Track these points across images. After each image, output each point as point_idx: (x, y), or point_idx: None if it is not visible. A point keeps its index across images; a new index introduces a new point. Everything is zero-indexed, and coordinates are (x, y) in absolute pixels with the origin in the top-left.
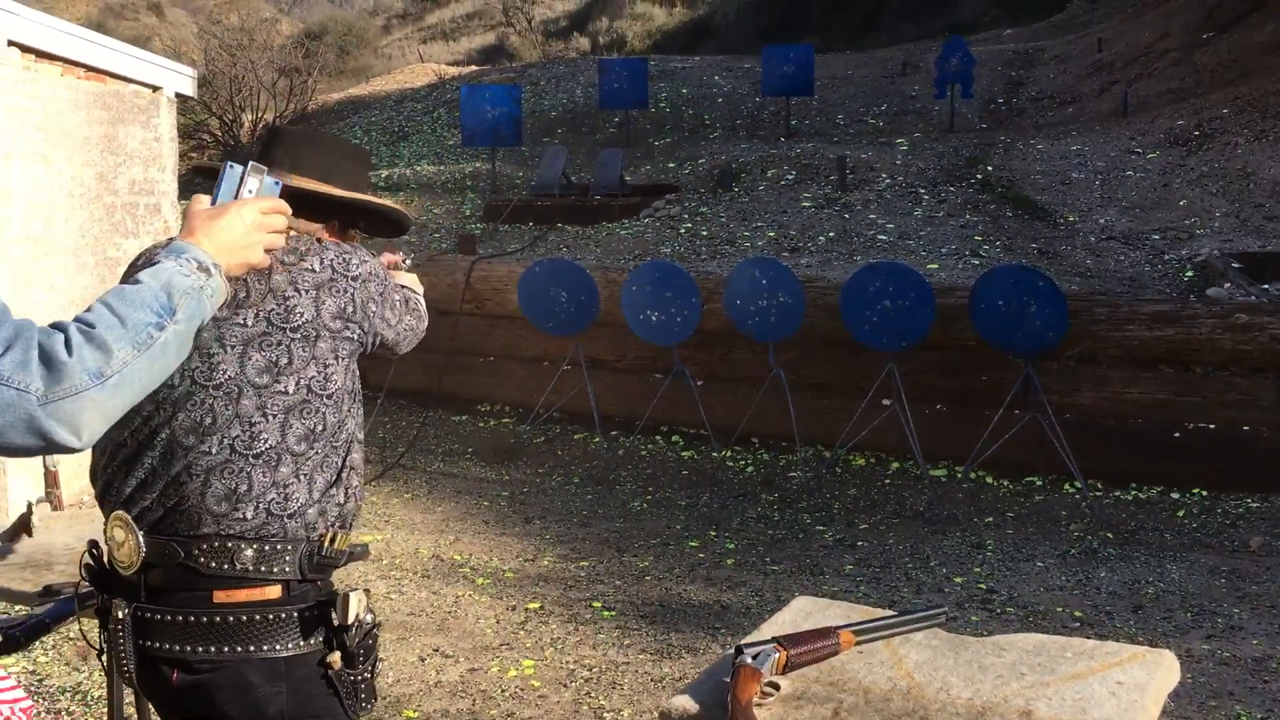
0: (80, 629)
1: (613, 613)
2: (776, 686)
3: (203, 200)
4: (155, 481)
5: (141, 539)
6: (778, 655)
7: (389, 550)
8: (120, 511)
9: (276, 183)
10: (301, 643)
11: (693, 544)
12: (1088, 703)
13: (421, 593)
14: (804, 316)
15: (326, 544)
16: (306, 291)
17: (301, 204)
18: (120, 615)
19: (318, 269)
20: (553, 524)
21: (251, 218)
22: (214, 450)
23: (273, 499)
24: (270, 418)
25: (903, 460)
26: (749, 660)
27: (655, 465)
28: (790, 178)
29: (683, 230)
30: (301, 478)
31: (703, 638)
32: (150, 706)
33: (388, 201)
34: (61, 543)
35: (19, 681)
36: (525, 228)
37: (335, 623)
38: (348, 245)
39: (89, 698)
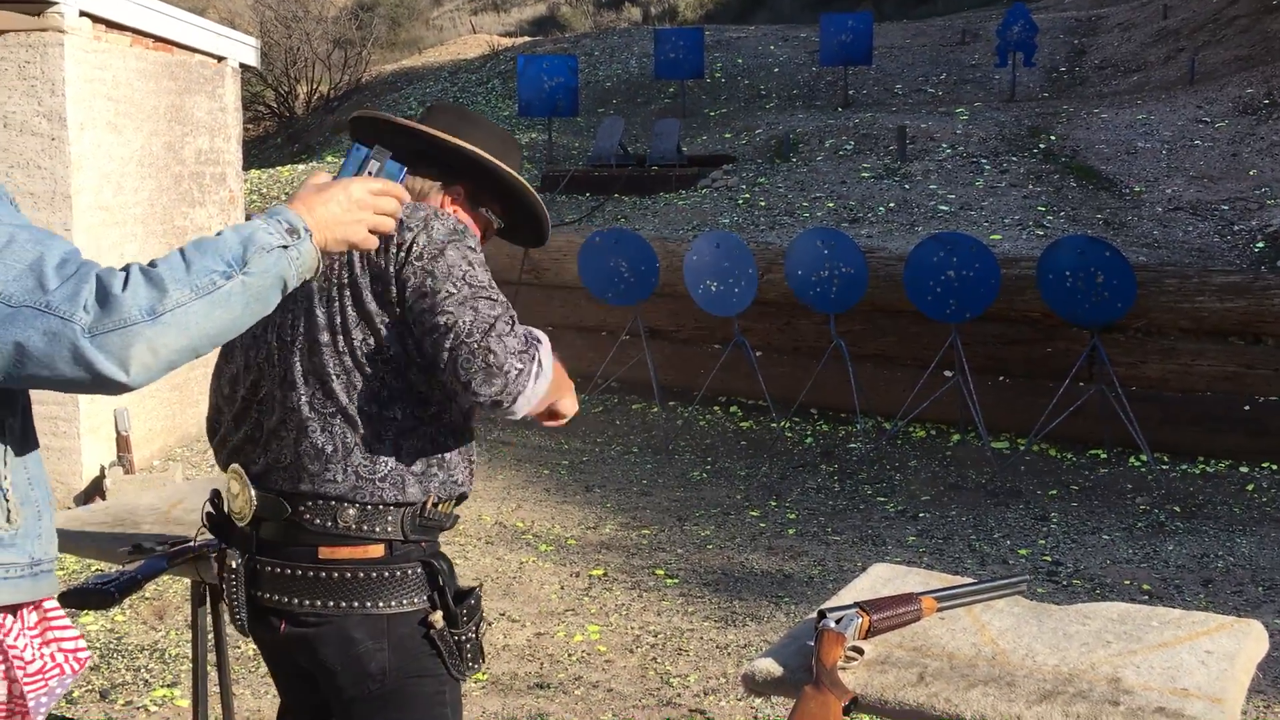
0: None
1: (676, 580)
2: (860, 651)
3: (323, 175)
4: (259, 435)
5: (253, 492)
6: (860, 620)
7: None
8: (236, 465)
9: (401, 168)
10: (404, 601)
11: (753, 513)
12: (1177, 671)
13: (486, 558)
14: (866, 287)
15: (429, 506)
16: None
17: (430, 161)
18: (234, 565)
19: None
20: (613, 493)
21: (359, 194)
22: (298, 407)
23: (359, 460)
24: (336, 376)
25: (964, 432)
26: (832, 624)
27: (714, 435)
28: (849, 148)
29: (740, 201)
30: (385, 441)
31: (766, 606)
32: (230, 664)
33: (527, 184)
34: (146, 503)
35: (81, 631)
36: (582, 198)
37: (438, 583)
38: (453, 220)
39: (166, 655)
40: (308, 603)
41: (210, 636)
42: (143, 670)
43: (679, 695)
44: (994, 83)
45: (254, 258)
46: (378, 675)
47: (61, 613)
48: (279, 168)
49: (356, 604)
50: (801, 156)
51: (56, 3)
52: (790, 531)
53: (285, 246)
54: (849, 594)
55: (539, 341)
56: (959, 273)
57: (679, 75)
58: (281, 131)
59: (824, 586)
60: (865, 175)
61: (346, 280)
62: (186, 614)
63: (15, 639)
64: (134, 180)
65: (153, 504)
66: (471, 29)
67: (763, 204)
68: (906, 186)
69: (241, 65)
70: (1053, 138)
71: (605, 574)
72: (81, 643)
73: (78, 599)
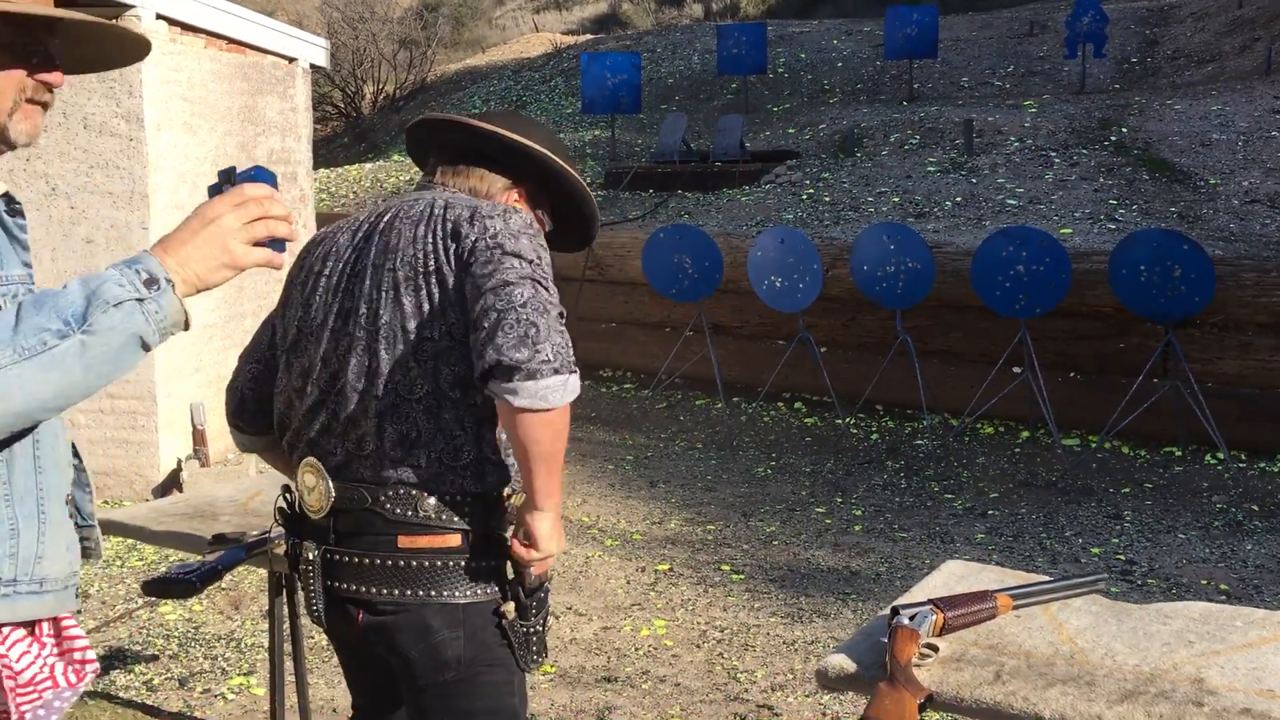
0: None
1: (742, 576)
2: (935, 648)
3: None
4: (336, 426)
5: (331, 485)
6: (935, 617)
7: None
8: (310, 458)
9: (258, 172)
10: (478, 591)
11: (819, 510)
12: (1263, 672)
13: None
14: (933, 282)
15: (505, 500)
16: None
17: (489, 161)
18: (310, 557)
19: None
20: (677, 488)
21: (217, 213)
22: (381, 394)
23: (442, 447)
24: (422, 362)
25: (1034, 429)
26: (906, 621)
27: (778, 431)
28: (914, 142)
29: (804, 196)
30: (467, 429)
31: (833, 602)
32: (305, 654)
33: (586, 187)
34: (225, 495)
35: (89, 643)
36: (646, 195)
37: (510, 575)
38: (529, 217)
39: (242, 644)
40: (386, 591)
41: (286, 626)
42: (220, 659)
43: (746, 691)
44: (1063, 75)
45: (98, 314)
46: (453, 663)
47: (73, 623)
48: (346, 167)
49: (434, 593)
50: (866, 151)
51: (134, 6)
52: (856, 528)
53: (140, 299)
54: (921, 591)
55: (575, 371)
56: (1029, 267)
57: (742, 71)
58: (348, 131)
59: (891, 583)
60: (931, 170)
61: (433, 268)
62: (261, 604)
63: (9, 647)
64: (208, 180)
65: (231, 496)
66: (534, 27)
67: (827, 199)
68: (973, 181)
69: (311, 66)
70: (1124, 130)
71: (671, 569)
72: (90, 654)
73: (160, 588)
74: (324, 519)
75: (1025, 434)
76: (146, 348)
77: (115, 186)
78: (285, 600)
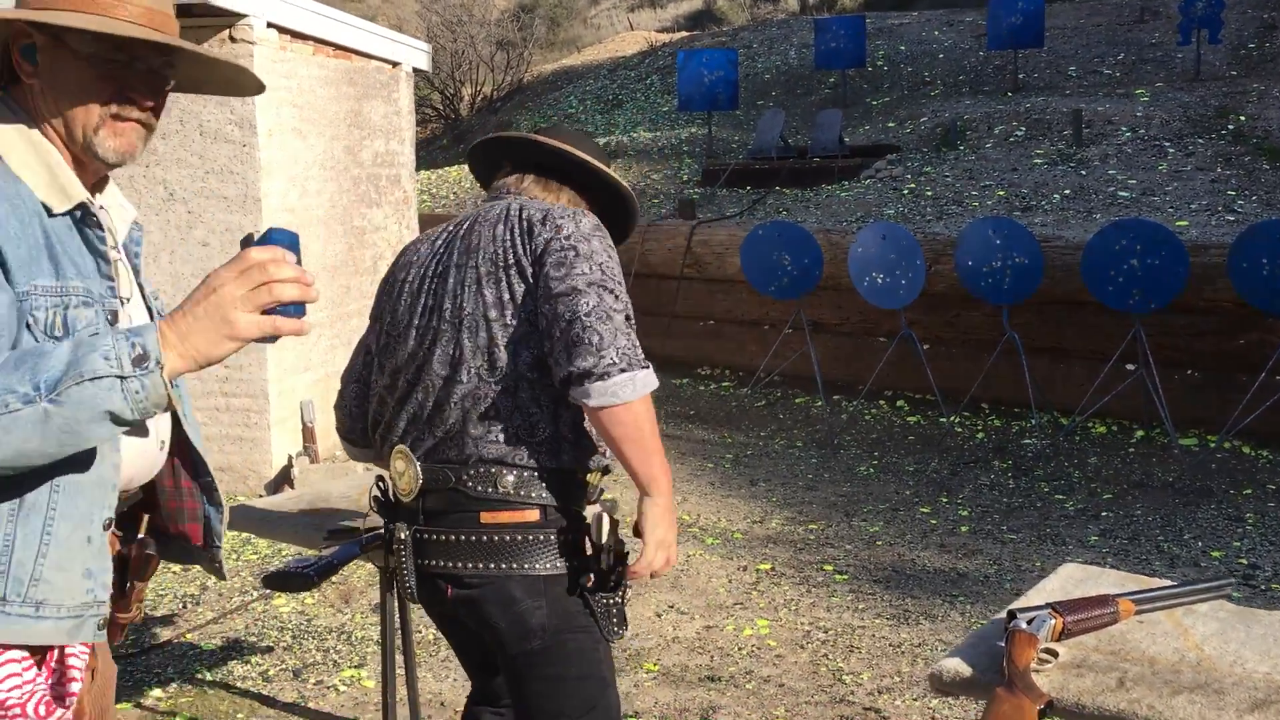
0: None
1: (845, 576)
2: (1054, 653)
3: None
4: (423, 414)
5: (419, 468)
6: (1053, 622)
7: (619, 509)
8: (401, 445)
9: (275, 234)
10: (558, 563)
11: (924, 510)
12: None
13: None
14: (1041, 277)
15: (580, 476)
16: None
17: (549, 173)
18: (402, 537)
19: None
20: (778, 487)
21: (216, 283)
22: (464, 378)
23: (519, 423)
24: (502, 346)
25: (1149, 428)
26: (1024, 625)
27: (880, 430)
28: (1020, 134)
29: (906, 191)
30: (544, 406)
31: (940, 604)
32: (414, 648)
33: (634, 197)
34: (338, 491)
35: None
36: (743, 191)
37: (588, 547)
38: (597, 220)
39: (352, 637)
40: (471, 565)
41: (397, 620)
42: (331, 651)
43: (852, 693)
44: (1176, 62)
45: (70, 386)
46: (538, 631)
47: (76, 657)
48: (446, 168)
49: (515, 565)
50: (969, 144)
51: (246, 15)
52: (963, 529)
53: (122, 377)
54: (1038, 594)
55: (646, 368)
56: (1143, 261)
57: (840, 65)
58: (447, 133)
59: (1001, 586)
60: (1038, 162)
61: (511, 261)
62: (370, 598)
63: None
64: (317, 183)
65: (344, 492)
66: (629, 26)
67: (929, 194)
68: (1083, 173)
69: (414, 70)
70: (1243, 118)
71: (773, 568)
72: (73, 689)
73: (279, 581)
74: (414, 501)
75: (1140, 433)
76: (120, 422)
77: (229, 191)
78: (396, 595)
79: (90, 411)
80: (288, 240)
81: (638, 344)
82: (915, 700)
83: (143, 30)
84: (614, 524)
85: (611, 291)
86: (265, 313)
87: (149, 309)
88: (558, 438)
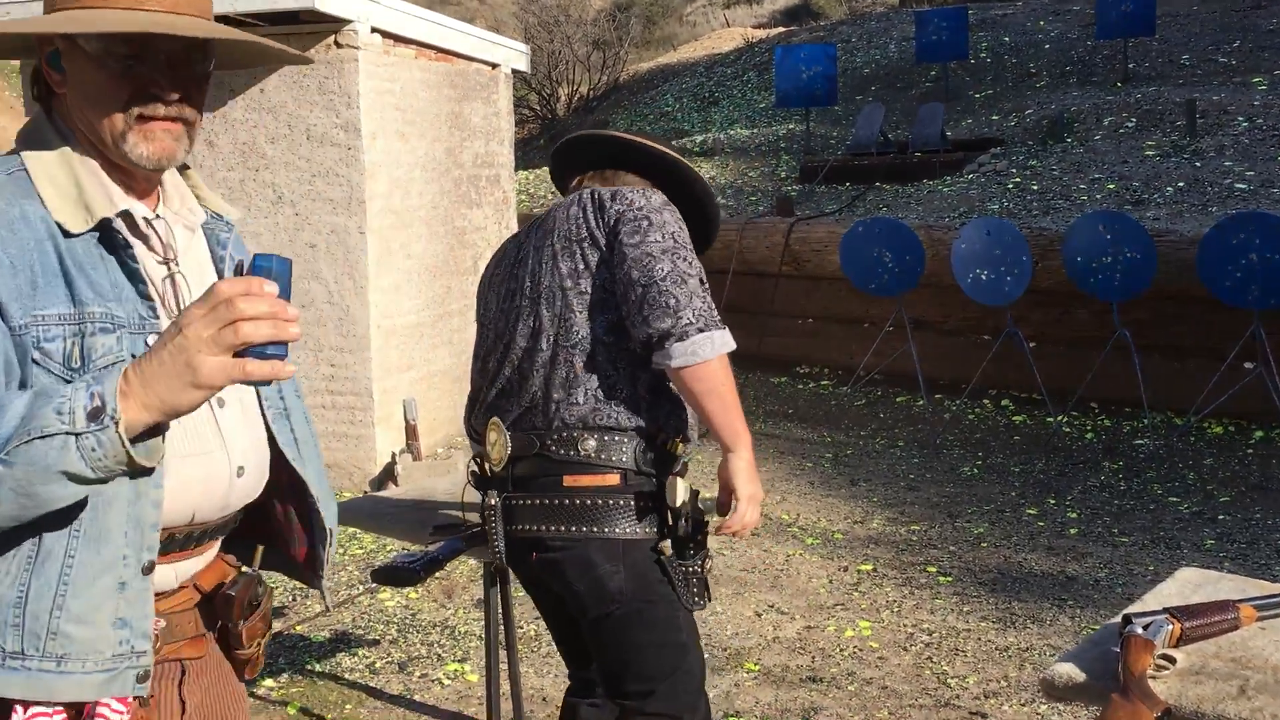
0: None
1: (949, 578)
2: (1171, 660)
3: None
4: (511, 385)
5: (508, 437)
6: (1171, 627)
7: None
8: (494, 417)
9: (260, 261)
10: (636, 529)
11: (1030, 511)
12: None
13: (753, 550)
14: (1154, 273)
15: (660, 440)
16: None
17: (620, 166)
18: (493, 503)
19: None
20: (879, 487)
21: (183, 321)
22: (545, 347)
23: (597, 385)
24: (578, 312)
25: (1269, 429)
26: (1140, 631)
27: (984, 430)
28: (1130, 125)
29: (1010, 185)
30: (620, 369)
31: (1048, 608)
32: (517, 643)
33: (709, 189)
34: (442, 488)
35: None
36: (842, 188)
37: (666, 513)
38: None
39: (455, 632)
40: (554, 528)
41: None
42: (435, 645)
43: (957, 696)
44: None
45: (19, 445)
46: (616, 596)
47: (113, 710)
48: (544, 168)
49: (595, 529)
50: (1077, 136)
51: (351, 20)
52: (1072, 531)
53: (75, 434)
54: (1154, 599)
55: (722, 328)
56: (1262, 255)
57: (942, 58)
58: (544, 133)
59: (1112, 590)
60: (1150, 154)
61: (584, 234)
62: (473, 593)
63: None
64: (419, 184)
65: (448, 488)
66: (725, 22)
67: (1035, 188)
68: (1197, 164)
69: (513, 71)
70: None
71: (874, 569)
72: None
73: (386, 576)
74: (504, 469)
75: (1259, 434)
76: (80, 480)
77: (335, 193)
78: (499, 590)
79: (43, 472)
80: (275, 267)
81: (713, 306)
82: (1024, 705)
83: (147, 18)
84: (692, 492)
85: (685, 258)
86: (238, 354)
87: None
88: (635, 398)
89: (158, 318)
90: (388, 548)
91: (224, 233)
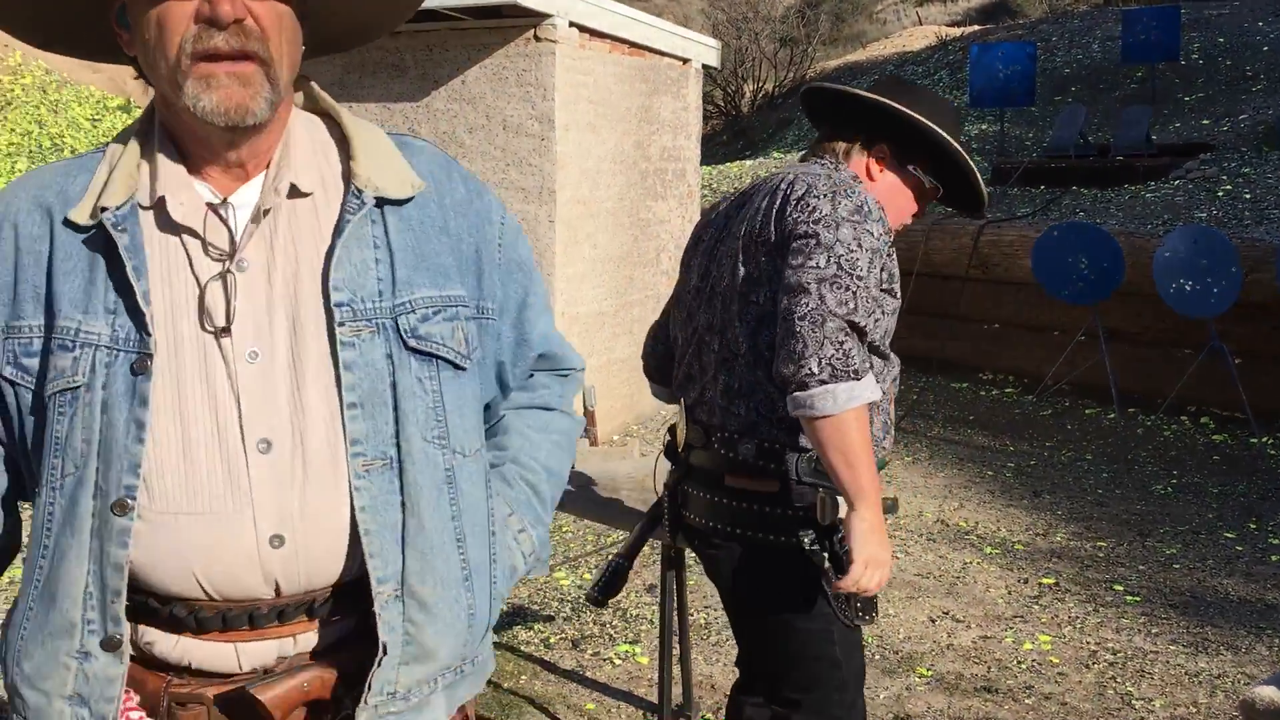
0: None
1: (1137, 598)
2: None
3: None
4: (692, 371)
5: (685, 423)
6: None
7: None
8: (681, 396)
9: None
10: (792, 539)
11: (1228, 535)
12: None
13: (928, 555)
14: None
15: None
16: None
17: (855, 123)
18: (670, 482)
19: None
20: (1064, 500)
21: None
22: (718, 348)
23: (760, 399)
24: (747, 323)
25: None
26: None
27: (1180, 447)
28: None
29: (1220, 193)
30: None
31: (1244, 635)
32: (689, 630)
33: (955, 144)
34: (624, 472)
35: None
36: (1036, 191)
37: (824, 526)
38: (863, 198)
39: (628, 614)
40: (713, 524)
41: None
42: (607, 625)
43: (1143, 719)
44: None
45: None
46: (768, 605)
47: None
48: (727, 164)
49: (750, 533)
50: None
51: (551, 15)
52: (1274, 558)
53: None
54: None
55: (856, 378)
56: None
57: (1149, 59)
58: (727, 129)
59: None
60: None
61: (763, 239)
62: (645, 578)
63: None
64: (607, 176)
65: (629, 473)
66: (917, 20)
67: (1248, 196)
68: None
69: (704, 66)
70: None
71: (1057, 583)
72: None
73: (608, 590)
74: (683, 453)
75: None
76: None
77: (527, 183)
78: (675, 575)
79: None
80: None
81: (851, 351)
82: None
83: None
84: (839, 507)
85: (844, 286)
86: None
87: (333, 333)
88: (797, 419)
89: (148, 335)
90: (563, 529)
91: (393, 213)
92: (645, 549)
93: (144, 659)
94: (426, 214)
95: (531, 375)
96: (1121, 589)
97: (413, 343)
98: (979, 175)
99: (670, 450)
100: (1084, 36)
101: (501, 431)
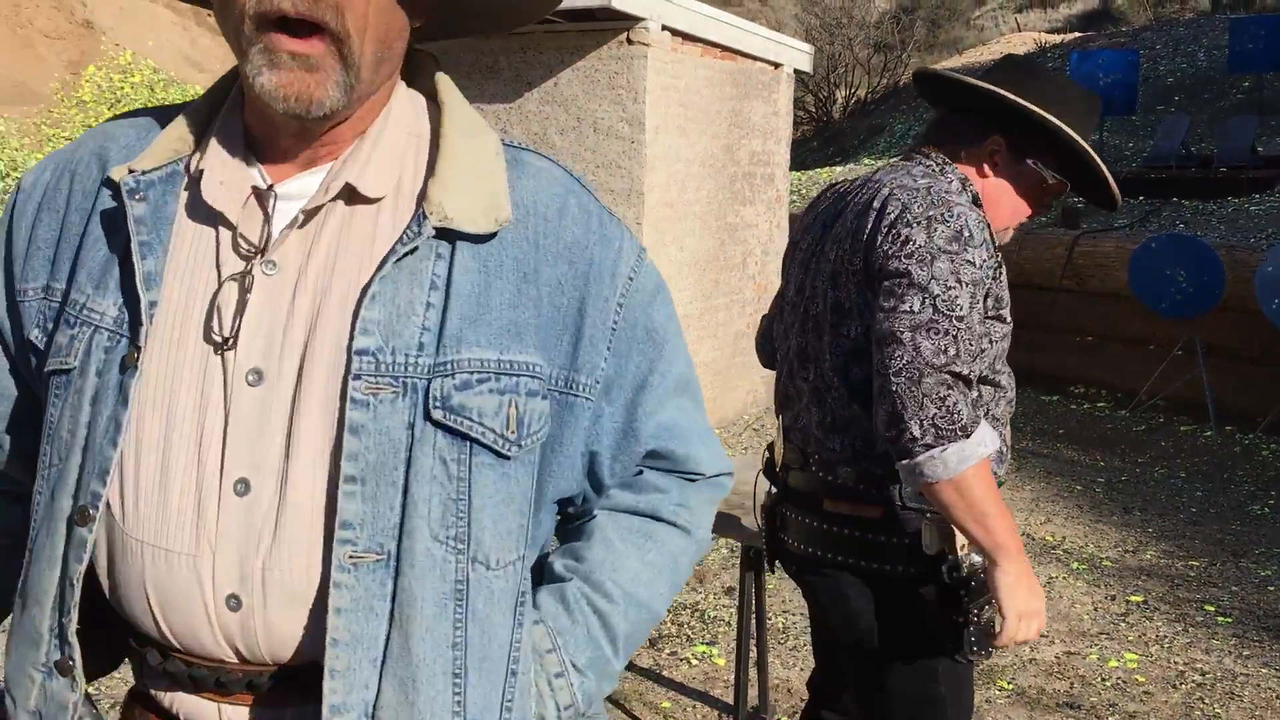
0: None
1: (1229, 619)
2: None
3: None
4: (789, 394)
5: (781, 443)
6: None
7: None
8: (780, 414)
9: None
10: (898, 568)
11: None
12: None
13: None
14: None
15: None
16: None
17: (971, 114)
18: (767, 503)
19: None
20: (1155, 517)
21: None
22: (811, 377)
23: (856, 434)
24: (840, 356)
25: None
26: None
27: (1279, 467)
28: None
29: None
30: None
31: None
32: (766, 634)
33: (1076, 138)
34: None
35: None
36: (1135, 202)
37: (932, 557)
38: (964, 221)
39: (705, 616)
40: (811, 550)
41: (753, 604)
42: (685, 626)
43: None
44: None
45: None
46: (867, 635)
47: None
48: (817, 170)
49: (851, 560)
50: None
51: (644, 19)
52: None
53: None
54: None
55: (965, 435)
56: None
57: (1257, 68)
58: (818, 135)
59: None
60: None
61: (852, 267)
62: (723, 580)
63: None
64: (695, 180)
65: None
66: (1016, 26)
67: None
68: None
69: (796, 71)
70: None
71: (1145, 601)
72: None
73: None
74: (780, 472)
75: None
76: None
77: (616, 184)
78: (755, 578)
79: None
80: None
81: (956, 406)
82: None
83: None
84: (948, 535)
85: (939, 332)
86: None
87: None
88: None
89: (139, 325)
90: None
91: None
92: (724, 550)
93: (143, 697)
94: (511, 254)
95: (640, 473)
96: (1213, 609)
97: (438, 414)
98: (1108, 173)
99: (769, 468)
100: (1189, 45)
101: (585, 535)
